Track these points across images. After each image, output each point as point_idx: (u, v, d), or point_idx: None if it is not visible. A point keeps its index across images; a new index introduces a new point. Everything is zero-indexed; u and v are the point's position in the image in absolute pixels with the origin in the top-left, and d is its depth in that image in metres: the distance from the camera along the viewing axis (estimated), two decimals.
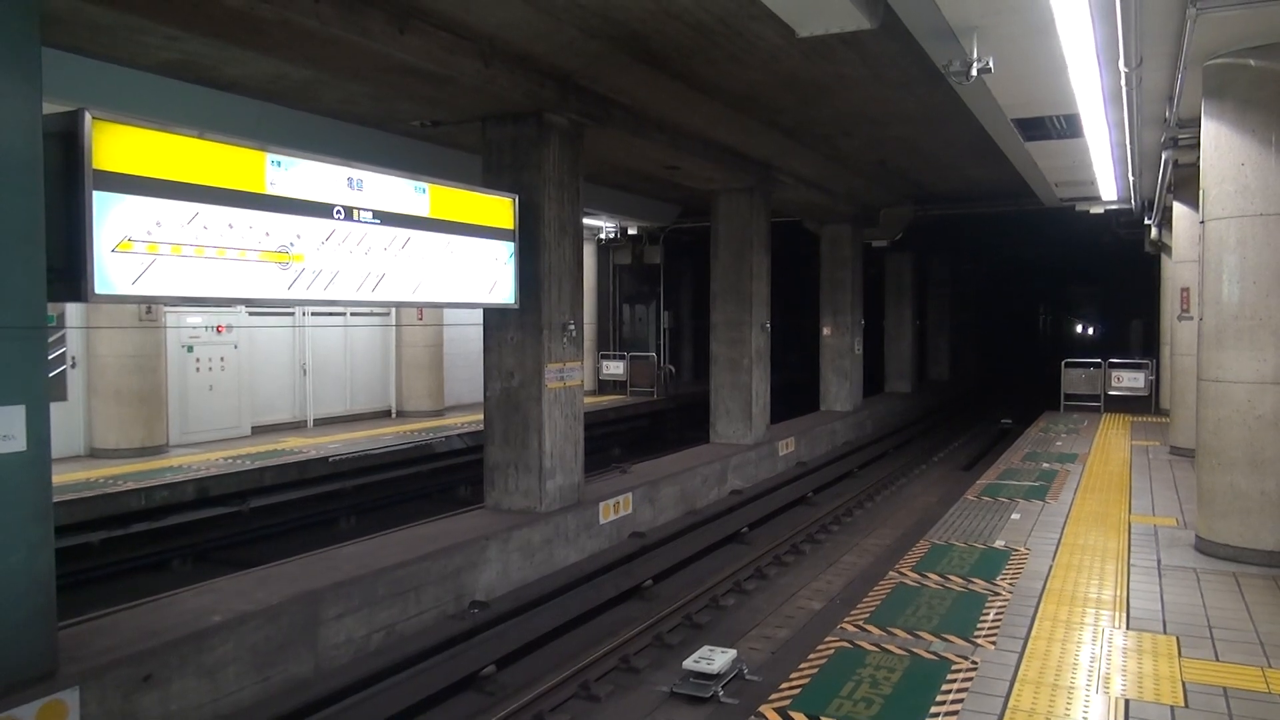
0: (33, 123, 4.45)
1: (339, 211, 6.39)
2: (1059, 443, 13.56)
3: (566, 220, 8.94)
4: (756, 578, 9.09)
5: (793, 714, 4.33)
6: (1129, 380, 18.01)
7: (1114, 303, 42.20)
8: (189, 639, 5.26)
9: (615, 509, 9.68)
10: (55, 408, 8.14)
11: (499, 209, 8.12)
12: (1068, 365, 18.74)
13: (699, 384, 20.69)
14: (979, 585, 6.33)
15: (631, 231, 20.83)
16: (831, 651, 5.10)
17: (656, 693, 6.19)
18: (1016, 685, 4.62)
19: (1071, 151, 10.64)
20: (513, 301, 8.33)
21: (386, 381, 16.70)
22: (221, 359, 13.33)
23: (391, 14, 6.59)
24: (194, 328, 12.93)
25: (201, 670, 5.29)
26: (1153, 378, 17.72)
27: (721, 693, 5.96)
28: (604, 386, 21.06)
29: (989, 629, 5.44)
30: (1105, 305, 46.81)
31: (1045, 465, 11.47)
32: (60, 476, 8.68)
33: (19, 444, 4.42)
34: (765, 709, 4.39)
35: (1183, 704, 4.38)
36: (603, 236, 21.12)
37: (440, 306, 12.44)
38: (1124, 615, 5.69)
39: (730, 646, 6.55)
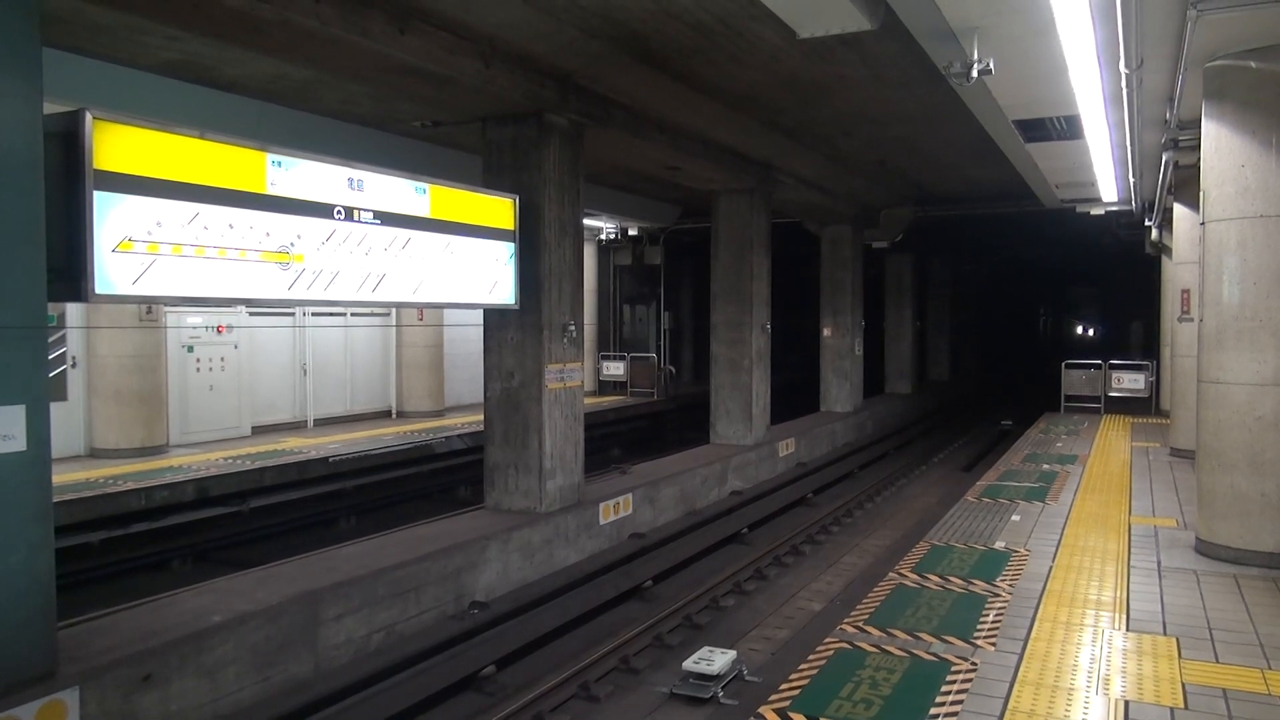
0: (33, 123, 4.46)
1: (339, 212, 6.39)
2: (1059, 444, 13.56)
3: (567, 221, 8.95)
4: (756, 578, 9.09)
5: (792, 715, 4.33)
6: (1129, 381, 18.00)
7: (1114, 304, 42.23)
8: (189, 639, 5.26)
9: (615, 509, 9.68)
10: (55, 408, 8.14)
11: (499, 209, 8.12)
12: (1068, 366, 18.73)
13: (699, 385, 20.69)
14: (979, 586, 6.33)
15: (632, 232, 20.84)
16: (831, 652, 5.10)
17: (656, 693, 6.19)
18: (1016, 686, 4.62)
19: (1072, 153, 10.64)
20: (513, 302, 8.33)
21: (387, 382, 16.71)
22: (222, 359, 13.34)
23: (392, 14, 6.60)
24: (194, 328, 12.94)
25: (201, 670, 5.29)
26: (1153, 379, 17.71)
27: (721, 693, 5.96)
28: (604, 387, 21.06)
29: (989, 630, 5.44)
30: (1105, 306, 46.83)
31: (1045, 466, 11.46)
32: (60, 476, 8.68)
33: (19, 444, 4.42)
34: (765, 710, 4.39)
35: (1182, 706, 4.38)
36: (603, 237, 21.13)
37: (440, 307, 12.44)
38: (1124, 617, 5.69)
39: (730, 647, 6.55)
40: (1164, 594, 6.15)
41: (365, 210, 6.61)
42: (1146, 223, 17.26)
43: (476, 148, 9.28)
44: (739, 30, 7.67)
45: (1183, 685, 4.61)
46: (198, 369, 12.98)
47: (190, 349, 12.92)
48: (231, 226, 5.58)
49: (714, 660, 6.10)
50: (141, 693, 4.94)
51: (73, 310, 11.29)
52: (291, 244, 6.01)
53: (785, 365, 23.50)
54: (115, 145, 4.87)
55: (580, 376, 9.28)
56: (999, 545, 7.49)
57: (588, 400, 13.93)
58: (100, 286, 4.84)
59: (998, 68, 6.40)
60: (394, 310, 16.09)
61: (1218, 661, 4.95)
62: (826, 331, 18.40)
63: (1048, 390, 21.65)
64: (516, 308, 8.43)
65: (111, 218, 4.86)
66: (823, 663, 4.96)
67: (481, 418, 9.33)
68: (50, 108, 4.63)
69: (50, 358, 6.01)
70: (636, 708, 6.04)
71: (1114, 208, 15.43)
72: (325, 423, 15.16)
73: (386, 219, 6.81)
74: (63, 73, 7.58)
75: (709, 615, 7.96)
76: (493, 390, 8.90)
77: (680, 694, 6.04)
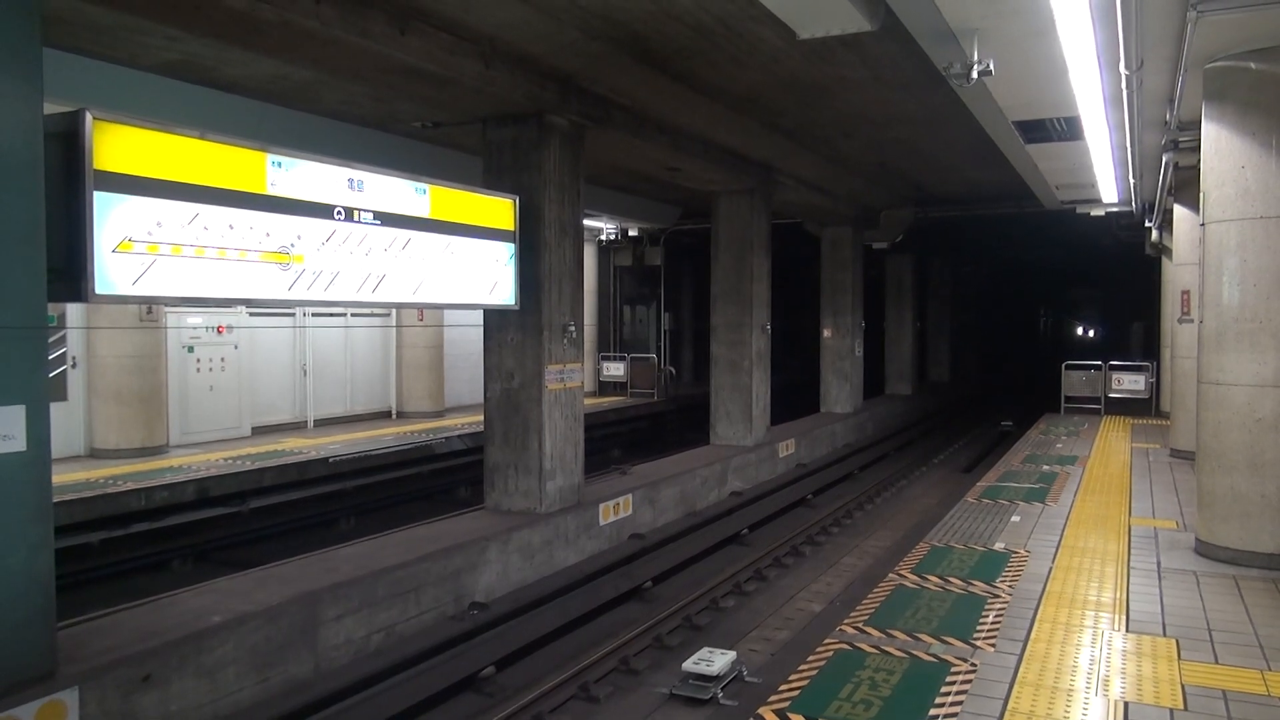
0: (33, 123, 4.46)
1: (339, 212, 6.39)
2: (1059, 445, 13.56)
3: (567, 221, 8.95)
4: (756, 579, 9.09)
5: (791, 716, 4.33)
6: (1129, 383, 18.00)
7: (1114, 305, 42.26)
8: (188, 639, 5.26)
9: (615, 510, 9.68)
10: (55, 408, 8.14)
11: (499, 210, 8.12)
12: (1068, 367, 18.73)
13: (699, 385, 20.69)
14: (979, 587, 6.33)
15: (632, 233, 20.84)
16: (831, 653, 5.10)
17: (656, 694, 6.19)
18: (1016, 687, 4.61)
19: (1072, 154, 10.64)
20: (513, 303, 8.33)
21: (387, 382, 16.71)
22: (222, 359, 13.34)
23: (392, 15, 6.60)
24: (194, 328, 12.94)
25: (201, 671, 5.29)
26: (1153, 380, 17.71)
27: (721, 694, 5.96)
28: (604, 388, 21.06)
29: (988, 631, 5.44)
30: (1106, 308, 46.87)
31: (1045, 467, 11.46)
32: (60, 477, 8.68)
33: (19, 444, 4.42)
34: (764, 711, 4.39)
35: (1182, 707, 4.38)
36: (603, 238, 21.13)
37: (440, 307, 12.44)
38: (1124, 618, 5.69)
39: (730, 648, 6.54)
40: (1164, 595, 6.15)
41: (365, 211, 6.62)
42: (1147, 224, 17.26)
43: (477, 148, 9.28)
44: (739, 31, 7.67)
45: (1182, 686, 4.61)
46: (198, 369, 12.98)
47: (190, 349, 12.92)
48: (231, 227, 5.58)
49: (714, 661, 6.10)
50: (141, 693, 4.94)
51: (73, 310, 11.30)
52: (291, 244, 6.01)
53: (785, 366, 23.51)
54: (115, 145, 4.88)
55: (580, 377, 9.28)
56: (999, 546, 7.49)
57: (588, 401, 13.93)
58: (100, 287, 4.84)
59: (998, 69, 6.40)
60: (394, 311, 16.10)
61: (1217, 662, 4.95)
62: (827, 333, 18.40)
63: (1048, 391, 21.65)
64: (516, 308, 8.43)
65: (112, 218, 4.87)
66: (822, 664, 4.95)
67: (481, 418, 9.32)
68: (50, 108, 4.63)
69: (50, 358, 6.02)
70: (636, 708, 6.04)
71: (1114, 209, 15.43)
72: (325, 423, 15.17)
73: (386, 219, 6.82)
74: (63, 73, 7.58)
75: (709, 616, 7.96)
76: (493, 391, 8.90)
77: (680, 695, 6.04)
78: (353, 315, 15.83)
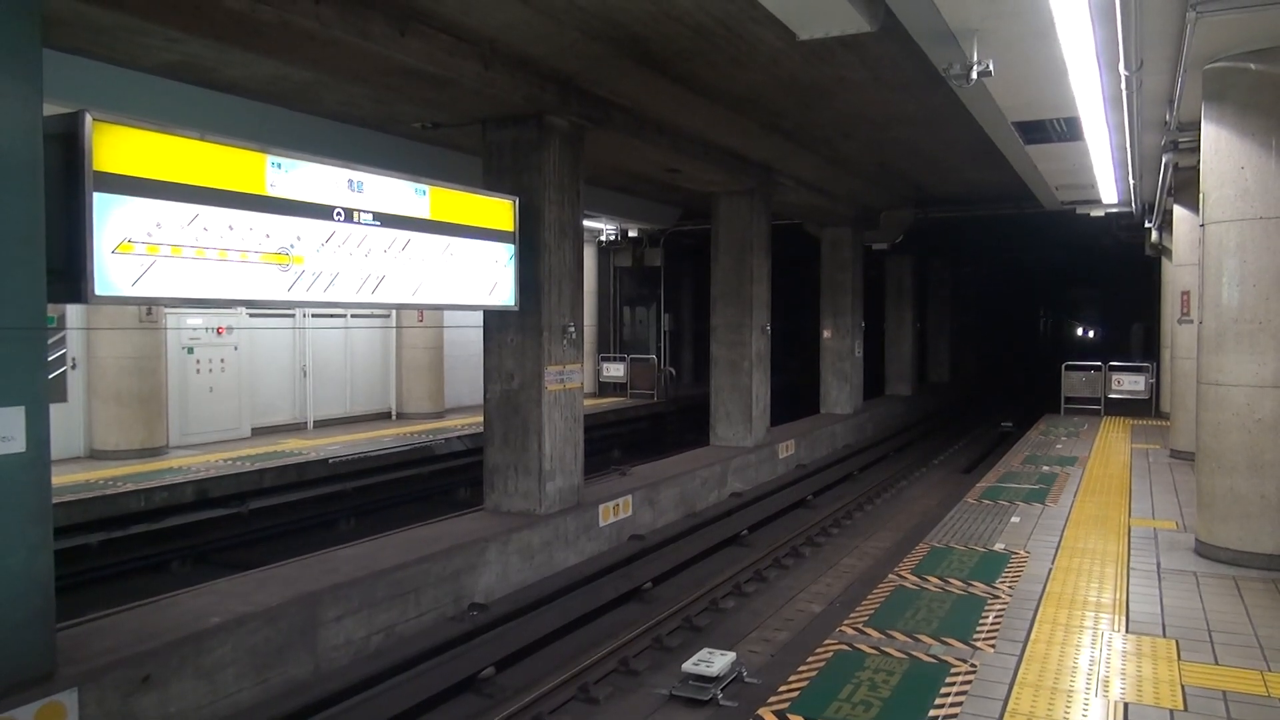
0: (33, 124, 4.46)
1: (339, 213, 6.39)
2: (1059, 446, 13.56)
3: (567, 222, 8.95)
4: (756, 580, 9.09)
5: (791, 716, 4.32)
6: (1129, 383, 17.99)
7: (1114, 306, 42.26)
8: (188, 640, 5.26)
9: (615, 511, 9.68)
10: (55, 409, 8.12)
11: (499, 211, 8.12)
12: (1068, 368, 18.73)
13: (699, 386, 20.70)
14: (978, 588, 6.33)
15: (632, 234, 20.84)
16: (830, 654, 5.10)
17: (655, 695, 6.19)
18: (1015, 688, 4.61)
19: (1072, 154, 10.64)
20: (513, 304, 8.33)
21: (386, 383, 16.71)
22: (222, 360, 13.34)
23: (392, 16, 6.60)
24: (194, 329, 12.95)
25: (200, 672, 5.29)
26: (1153, 381, 17.71)
27: (720, 695, 5.95)
28: (604, 389, 21.06)
29: (988, 632, 5.44)
30: (1105, 308, 46.88)
31: (1045, 468, 11.46)
32: (60, 478, 8.68)
33: (18, 445, 4.42)
34: (764, 711, 4.39)
35: (1182, 707, 4.38)
36: (603, 239, 21.14)
37: (440, 308, 12.44)
38: (1123, 619, 5.69)
39: (730, 649, 6.54)
40: (1163, 596, 6.15)
41: (365, 212, 6.62)
42: (1146, 224, 17.27)
43: (477, 149, 9.28)
44: (739, 33, 7.67)
45: (1182, 687, 4.61)
46: (198, 370, 12.98)
47: (190, 350, 12.92)
48: (231, 228, 5.58)
49: (713, 662, 6.10)
50: (140, 694, 4.94)
51: (73, 311, 11.30)
52: (291, 245, 6.01)
53: (785, 367, 23.50)
54: (115, 147, 4.88)
55: (580, 378, 9.28)
56: (999, 547, 7.49)
57: (587, 402, 13.93)
58: (100, 288, 4.84)
59: (997, 70, 6.40)
60: (394, 312, 16.10)
61: (1217, 663, 4.95)
62: (826, 333, 18.40)
63: (1048, 392, 21.65)
64: (516, 309, 8.43)
65: (111, 219, 4.87)
66: (822, 664, 4.95)
67: (481, 419, 9.32)
68: (50, 109, 4.63)
69: (50, 359, 6.03)
70: (636, 709, 6.04)
71: (1114, 209, 15.44)
72: (325, 424, 15.17)
73: (386, 220, 6.82)
74: (63, 74, 7.58)
75: (708, 617, 7.95)
76: (492, 392, 8.90)
77: (680, 696, 6.03)
78: (352, 316, 15.83)
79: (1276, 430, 6.56)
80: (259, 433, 13.89)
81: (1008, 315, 43.53)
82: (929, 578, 6.59)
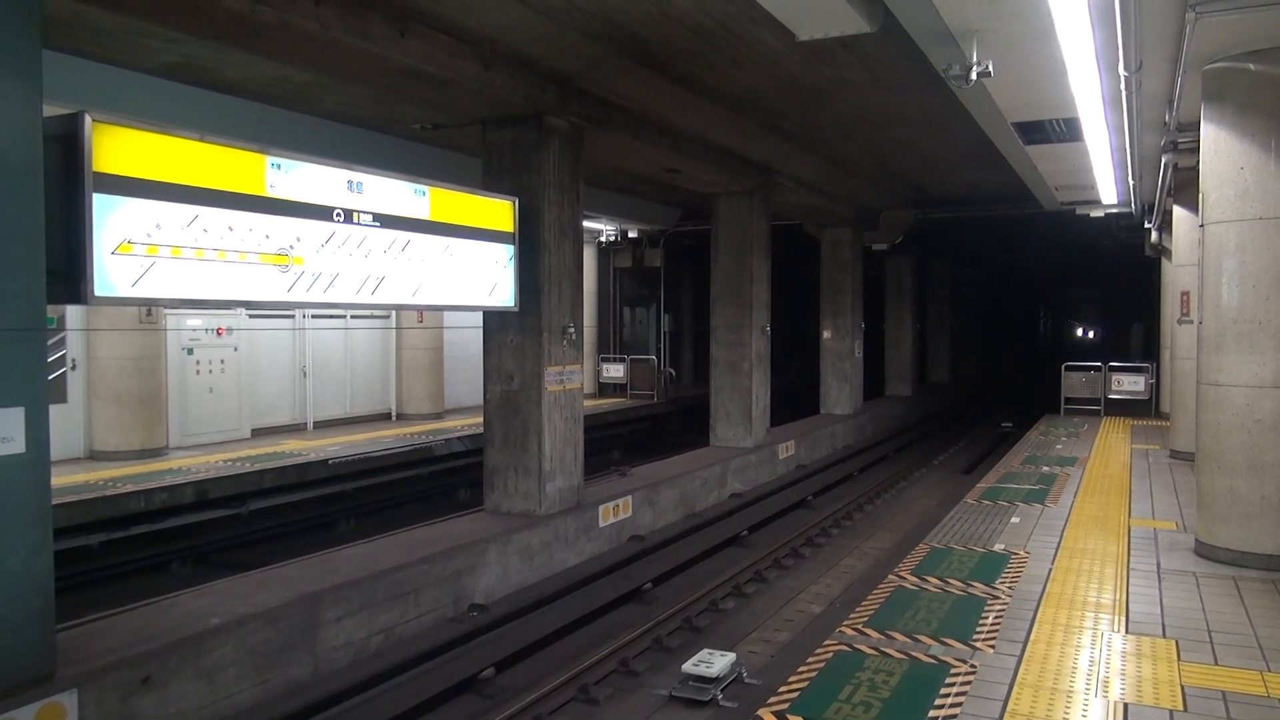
0: (33, 125, 4.46)
1: (339, 214, 6.40)
2: (1059, 446, 13.56)
3: (566, 223, 8.95)
4: (756, 581, 9.09)
5: (791, 717, 4.32)
6: (1129, 384, 18.00)
7: (1114, 306, 42.26)
8: (188, 641, 5.26)
9: (615, 512, 9.68)
10: (55, 410, 8.13)
11: (499, 212, 8.12)
12: (1068, 369, 18.73)
13: (699, 387, 20.69)
14: (978, 589, 6.33)
15: (632, 234, 20.84)
16: (830, 655, 5.10)
17: (655, 696, 6.19)
18: (1015, 689, 4.61)
19: (1071, 155, 10.65)
20: (512, 304, 8.33)
21: (386, 384, 16.71)
22: (221, 361, 13.35)
23: (392, 17, 6.60)
24: (194, 330, 12.95)
25: (200, 672, 5.29)
26: (1153, 381, 17.71)
27: (720, 696, 5.95)
28: (604, 389, 21.06)
29: (988, 632, 5.44)
30: (1105, 309, 46.87)
31: (1045, 469, 11.46)
32: (60, 479, 8.67)
33: (18, 446, 4.42)
34: (764, 712, 4.39)
35: (1182, 708, 4.38)
36: (603, 239, 21.13)
37: (440, 309, 12.48)
38: (1123, 619, 5.69)
39: (729, 650, 6.54)
40: (1163, 596, 6.15)
41: (365, 213, 6.62)
42: (1146, 225, 17.27)
43: (476, 150, 9.28)
44: (738, 33, 7.67)
45: (1182, 687, 4.61)
46: (197, 371, 12.98)
47: (190, 351, 12.93)
48: (231, 229, 5.59)
49: (713, 663, 6.10)
50: (140, 695, 4.94)
51: (72, 312, 11.30)
52: (291, 246, 6.01)
53: (785, 368, 23.51)
54: (115, 148, 4.88)
55: (580, 379, 9.28)
56: (998, 547, 7.49)
57: (587, 402, 13.93)
58: (100, 288, 4.85)
59: (997, 70, 6.41)
60: (394, 312, 16.10)
61: (1217, 664, 4.95)
62: (826, 334, 18.40)
63: (1047, 392, 21.65)
64: (516, 310, 8.43)
65: (111, 220, 4.87)
66: (822, 665, 4.95)
67: (481, 420, 9.32)
68: (50, 110, 4.63)
69: (50, 360, 6.03)
70: (636, 710, 6.04)
71: (1113, 210, 15.44)
72: (325, 425, 15.17)
73: (386, 221, 6.82)
74: (63, 75, 7.58)
75: (708, 618, 7.95)
76: (492, 393, 8.90)
77: (679, 696, 6.03)
78: (352, 317, 15.83)
79: (1276, 430, 6.56)
80: (259, 433, 13.89)
81: (1008, 315, 43.54)
82: (929, 578, 6.60)
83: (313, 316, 15.01)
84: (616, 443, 17.92)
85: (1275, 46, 6.40)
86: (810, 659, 5.05)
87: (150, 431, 11.81)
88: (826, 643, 5.30)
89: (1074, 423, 16.67)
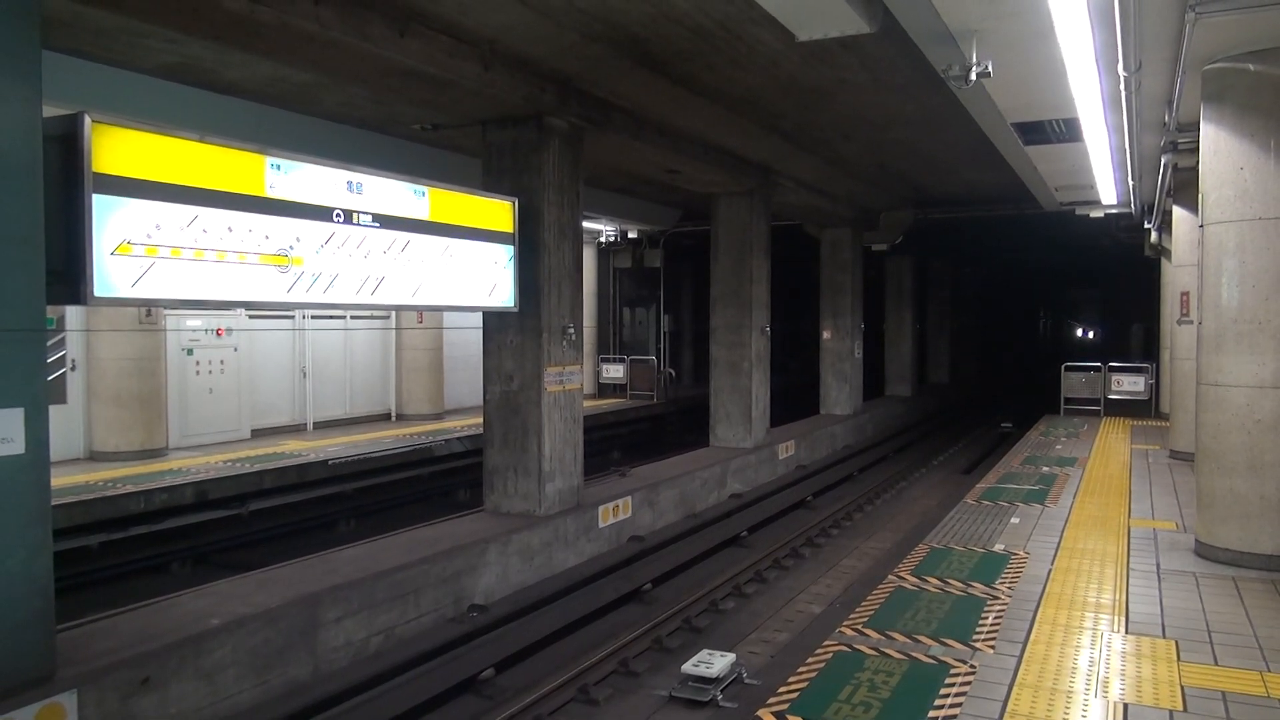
0: (32, 125, 4.46)
1: (338, 215, 6.40)
2: (1059, 446, 13.56)
3: (566, 223, 8.95)
4: (756, 581, 9.09)
5: (790, 717, 4.33)
6: (1129, 384, 18.00)
7: (1114, 306, 42.24)
8: (187, 642, 5.26)
9: (615, 512, 9.68)
10: (55, 410, 8.15)
11: (499, 212, 8.12)
12: (1068, 369, 18.74)
13: (699, 387, 20.69)
14: (978, 589, 6.33)
15: (632, 235, 20.84)
16: (830, 655, 5.10)
17: (655, 696, 6.19)
18: (1015, 689, 4.61)
19: (1071, 155, 10.65)
20: (512, 305, 8.33)
21: (386, 384, 16.71)
22: (221, 362, 13.35)
23: (391, 17, 6.60)
24: (194, 331, 12.95)
25: (200, 673, 5.29)
26: (1152, 381, 17.71)
27: (720, 696, 5.95)
28: (604, 390, 21.05)
29: (988, 633, 5.44)
30: (1105, 309, 46.85)
31: (1045, 469, 11.46)
32: (59, 479, 8.67)
33: (17, 447, 4.42)
34: (763, 713, 4.39)
35: (1181, 708, 4.38)
36: (603, 240, 21.13)
37: (440, 310, 12.47)
38: (1123, 619, 5.69)
39: (729, 650, 6.54)
40: (1163, 596, 6.15)
41: (364, 213, 6.62)
42: (1146, 225, 17.27)
43: (476, 150, 9.28)
44: (738, 34, 7.68)
45: (1181, 688, 4.61)
46: (197, 372, 12.98)
47: (190, 352, 12.93)
48: (230, 229, 5.59)
49: (713, 663, 6.10)
50: (140, 695, 4.94)
51: (72, 313, 11.31)
52: (290, 247, 6.01)
53: (785, 368, 23.51)
54: (114, 148, 4.88)
55: (580, 379, 9.28)
56: (998, 548, 7.49)
57: (587, 403, 13.94)
58: (99, 289, 4.85)
59: (996, 71, 6.41)
60: (393, 313, 16.10)
61: (1217, 664, 4.95)
62: (826, 334, 18.40)
63: (1047, 392, 21.65)
64: (516, 310, 8.43)
65: (111, 220, 4.87)
66: (821, 665, 4.95)
67: (481, 421, 9.32)
68: (50, 111, 4.63)
69: (49, 360, 6.03)
70: (635, 711, 6.04)
71: (1113, 210, 15.44)
72: (325, 425, 15.17)
73: (386, 222, 6.82)
74: (62, 76, 7.58)
75: (708, 618, 7.95)
76: (492, 393, 8.90)
77: (679, 697, 6.04)
78: (352, 317, 15.83)
79: (1276, 431, 6.56)
80: (259, 434, 13.89)
81: (1007, 316, 43.55)
82: (929, 579, 6.59)
83: (312, 317, 15.01)
84: (616, 443, 17.92)
85: (1275, 47, 6.41)
86: (810, 659, 5.05)
87: (150, 432, 11.81)
88: (826, 643, 5.30)
89: (1074, 423, 16.67)
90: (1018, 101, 8.16)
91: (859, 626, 5.56)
